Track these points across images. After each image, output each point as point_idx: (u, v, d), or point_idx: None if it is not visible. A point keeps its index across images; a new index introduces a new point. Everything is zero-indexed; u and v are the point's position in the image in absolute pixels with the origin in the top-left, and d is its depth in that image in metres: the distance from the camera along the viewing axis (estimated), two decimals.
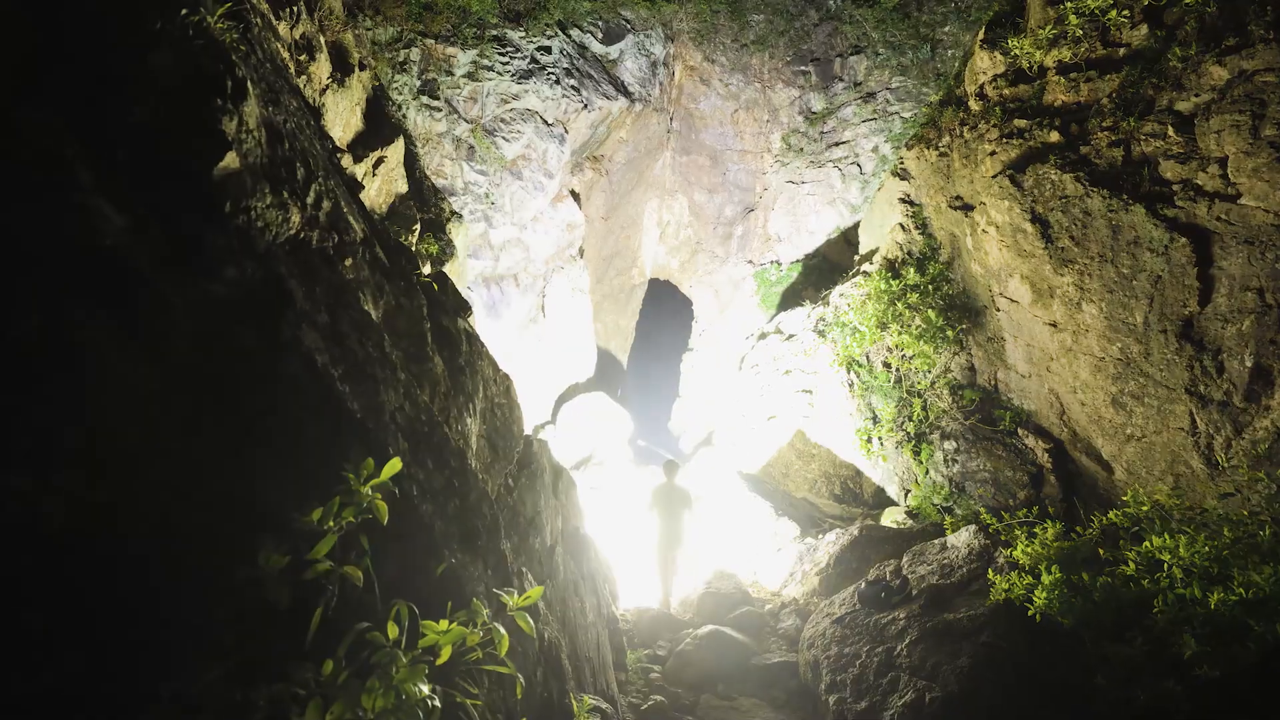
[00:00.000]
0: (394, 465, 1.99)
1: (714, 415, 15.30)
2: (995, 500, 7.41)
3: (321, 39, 7.87)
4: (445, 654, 1.84)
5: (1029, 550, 5.33)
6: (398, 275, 3.71)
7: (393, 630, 1.75)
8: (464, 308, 4.41)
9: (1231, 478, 5.40)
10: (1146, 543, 4.49)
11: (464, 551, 2.63)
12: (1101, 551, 4.99)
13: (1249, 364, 5.46)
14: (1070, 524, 6.04)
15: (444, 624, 1.85)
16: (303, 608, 1.74)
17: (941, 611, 5.47)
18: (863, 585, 6.10)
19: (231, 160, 2.28)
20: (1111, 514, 5.21)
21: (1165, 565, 4.31)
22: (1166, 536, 4.46)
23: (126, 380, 1.96)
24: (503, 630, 1.95)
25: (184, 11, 2.36)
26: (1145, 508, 4.92)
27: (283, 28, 6.72)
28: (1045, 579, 4.76)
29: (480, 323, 12.19)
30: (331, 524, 1.78)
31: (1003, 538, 6.18)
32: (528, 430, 9.00)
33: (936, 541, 6.40)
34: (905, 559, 6.36)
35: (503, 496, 4.01)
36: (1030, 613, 4.76)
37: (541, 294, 14.48)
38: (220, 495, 2.07)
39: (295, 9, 6.97)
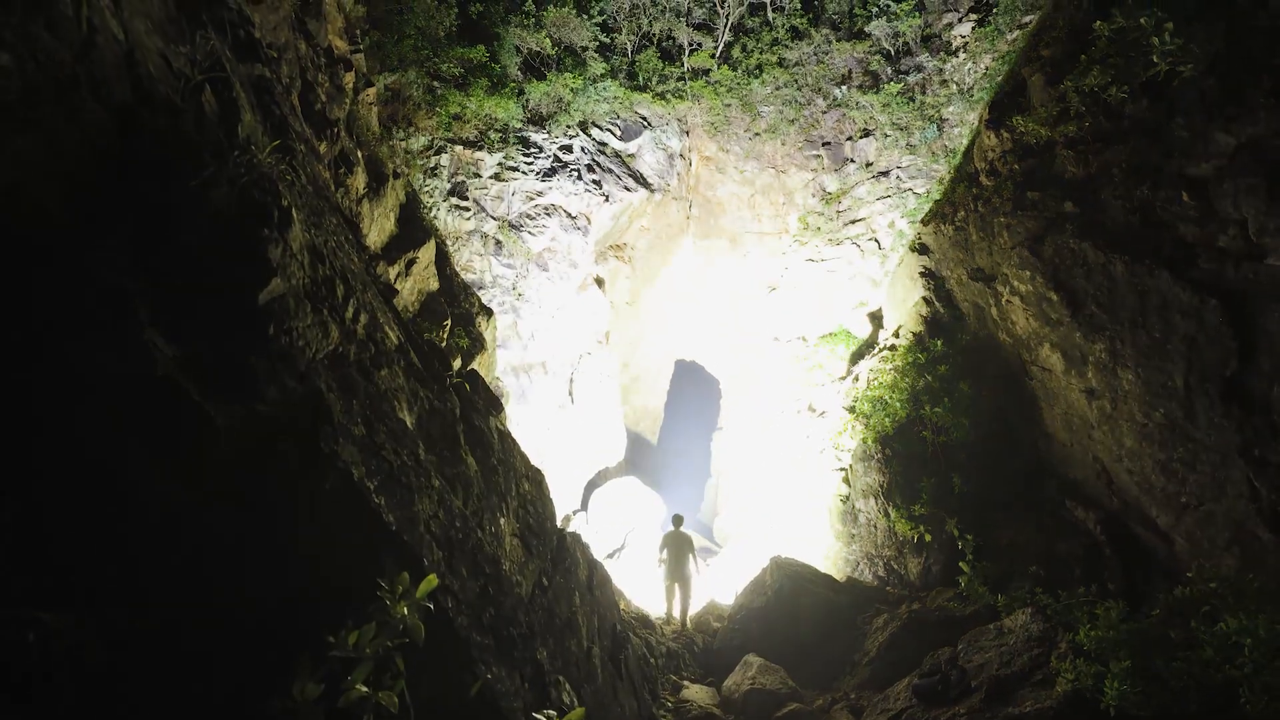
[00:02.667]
0: (430, 582, 1.98)
1: (747, 496, 14.97)
2: (1049, 577, 6.99)
3: (359, 154, 8.50)
4: None
5: (1093, 634, 4.97)
6: (431, 378, 3.83)
7: None
8: (495, 406, 4.49)
9: None
10: (1222, 623, 4.17)
11: (499, 664, 2.57)
12: (1172, 633, 4.64)
13: None
14: (1133, 602, 5.65)
15: None
16: None
17: (1005, 705, 5.07)
18: (917, 679, 5.72)
19: (277, 286, 2.43)
20: (1178, 590, 4.89)
21: (1245, 648, 3.99)
22: (1243, 616, 4.15)
23: (170, 507, 2.03)
24: None
25: (237, 153, 2.60)
26: (1214, 584, 4.61)
27: (324, 147, 7.29)
28: (1115, 667, 4.41)
29: (510, 411, 12.34)
30: (368, 650, 1.76)
31: (1063, 619, 5.79)
32: (559, 520, 8.90)
33: (992, 626, 6.01)
34: (960, 646, 5.97)
35: (537, 598, 3.93)
36: (1103, 705, 4.40)
37: (570, 380, 14.66)
38: (257, 618, 2.08)
39: (335, 130, 7.57)
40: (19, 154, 1.98)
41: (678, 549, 9.94)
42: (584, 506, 15.01)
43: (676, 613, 9.91)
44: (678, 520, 10.50)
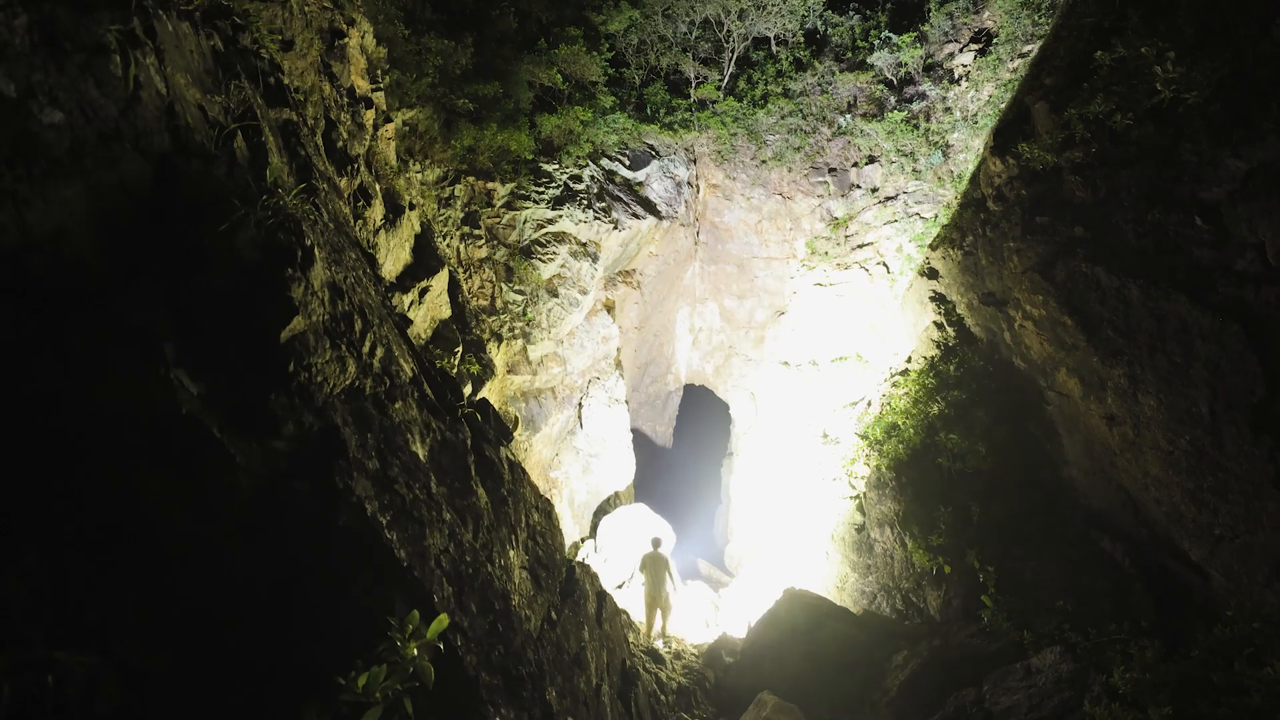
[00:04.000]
0: (440, 622, 1.95)
1: (759, 524, 14.77)
2: (1077, 612, 6.79)
3: (377, 187, 8.65)
4: None
5: (1129, 676, 4.76)
6: (444, 408, 3.82)
7: None
8: (505, 435, 4.48)
9: None
10: (1269, 667, 3.97)
11: (509, 705, 2.51)
12: (1214, 677, 4.41)
13: None
14: (1169, 641, 5.44)
15: None
16: None
17: None
18: None
19: (298, 323, 2.44)
20: (1217, 630, 4.68)
21: None
22: None
23: (186, 544, 2.01)
24: None
25: (265, 197, 2.64)
26: (1256, 623, 4.41)
27: (344, 182, 7.42)
28: (1154, 713, 4.19)
29: (519, 437, 12.31)
30: (377, 694, 1.72)
31: (1094, 659, 5.58)
32: (568, 548, 8.74)
33: (1019, 665, 5.82)
34: (986, 686, 5.78)
35: (546, 633, 3.86)
36: None
37: (579, 405, 14.63)
38: (268, 658, 2.04)
39: (355, 166, 7.72)
40: (65, 202, 2.02)
41: (655, 570, 10.75)
42: (593, 534, 14.85)
43: (657, 628, 10.80)
44: (655, 543, 11.35)
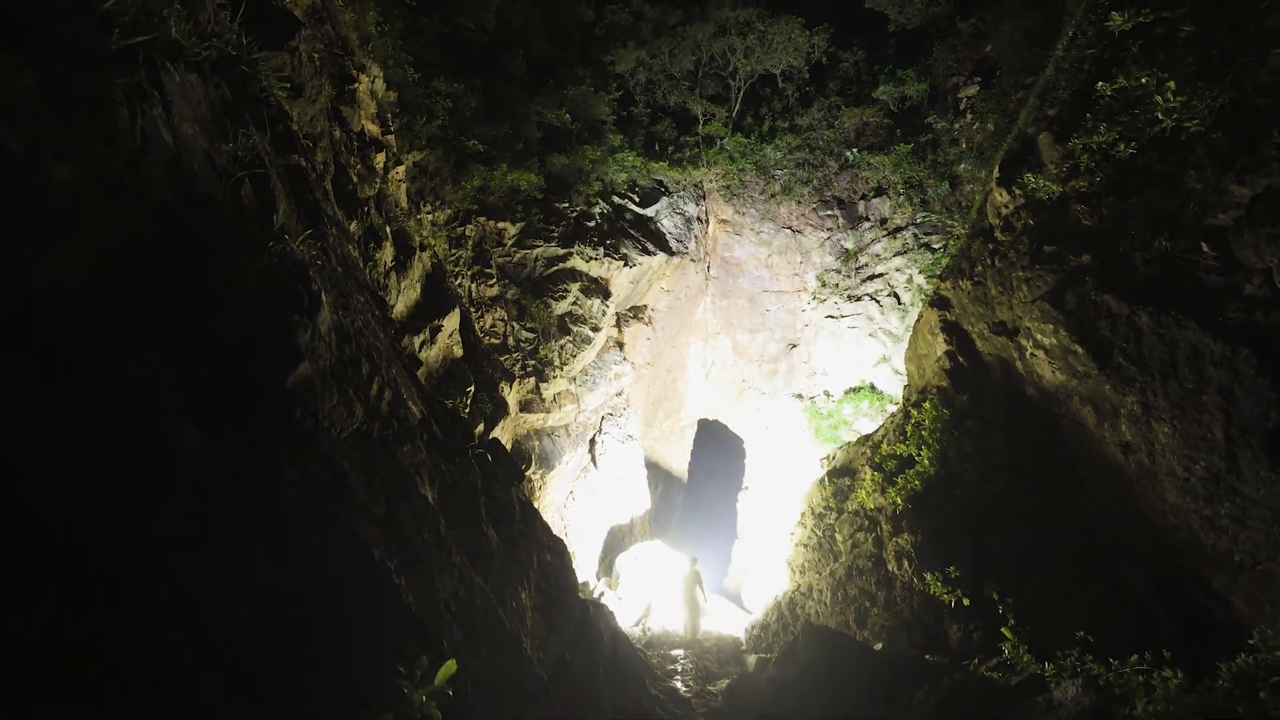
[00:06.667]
0: (449, 668, 1.96)
1: (775, 559, 14.54)
2: (1099, 644, 6.59)
3: (388, 229, 8.86)
4: None
5: (1152, 708, 4.63)
6: (453, 450, 3.87)
7: None
8: (517, 475, 4.50)
9: None
10: None
11: None
12: (1240, 708, 4.29)
13: None
14: (1192, 672, 5.29)
15: None
16: None
17: None
18: None
19: (304, 369, 2.52)
20: (1240, 659, 4.58)
21: None
22: None
23: (189, 593, 2.05)
24: None
25: (271, 244, 2.74)
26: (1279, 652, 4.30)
27: (354, 226, 7.61)
28: None
29: (533, 476, 12.30)
30: None
31: (1117, 691, 5.42)
32: (582, 585, 8.64)
33: (1041, 700, 5.64)
34: None
35: (560, 675, 3.82)
36: None
37: (592, 442, 14.63)
38: (272, 707, 2.06)
39: (365, 209, 7.93)
40: (69, 255, 2.11)
41: (689, 583, 12.87)
42: (608, 571, 14.68)
43: (691, 629, 12.70)
44: (693, 560, 13.41)
